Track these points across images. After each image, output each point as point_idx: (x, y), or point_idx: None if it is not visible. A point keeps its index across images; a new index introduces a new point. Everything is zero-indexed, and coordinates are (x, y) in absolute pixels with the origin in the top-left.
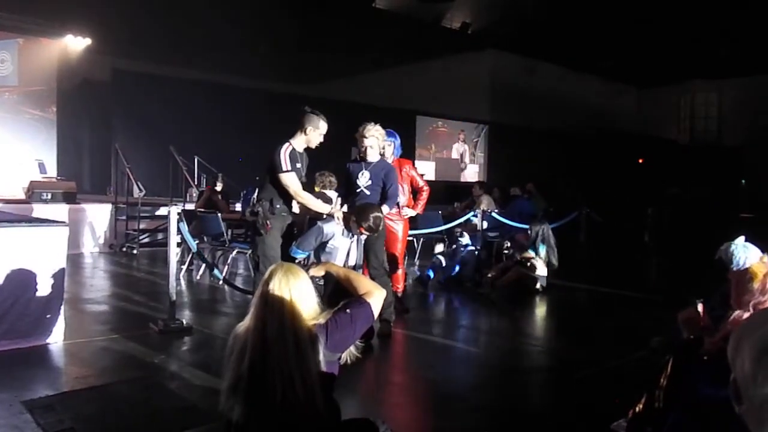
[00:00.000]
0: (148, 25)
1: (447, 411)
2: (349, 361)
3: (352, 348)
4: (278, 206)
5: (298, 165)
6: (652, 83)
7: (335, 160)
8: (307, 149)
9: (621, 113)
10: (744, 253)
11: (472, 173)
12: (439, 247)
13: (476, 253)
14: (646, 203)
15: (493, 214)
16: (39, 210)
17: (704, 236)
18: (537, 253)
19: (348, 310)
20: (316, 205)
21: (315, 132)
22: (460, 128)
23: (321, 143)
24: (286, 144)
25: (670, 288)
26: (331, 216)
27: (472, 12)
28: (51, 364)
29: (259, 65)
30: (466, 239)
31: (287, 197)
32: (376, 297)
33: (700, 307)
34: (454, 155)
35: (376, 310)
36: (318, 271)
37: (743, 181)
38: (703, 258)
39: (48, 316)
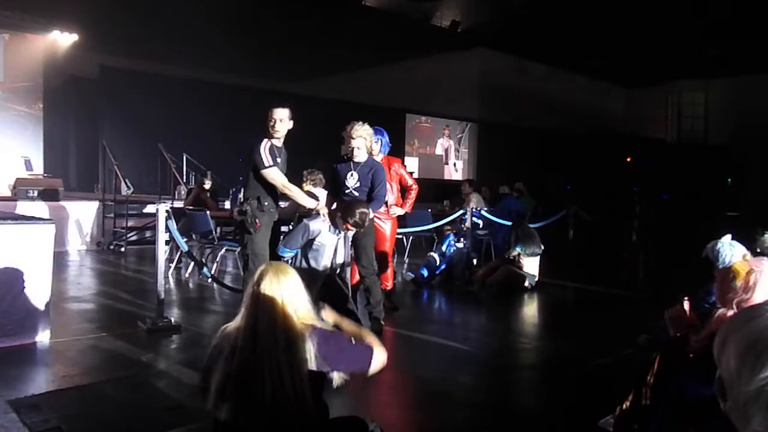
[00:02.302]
0: (136, 22)
1: (436, 409)
2: (338, 383)
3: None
4: (266, 203)
5: (279, 159)
6: (641, 82)
7: (324, 158)
8: (298, 146)
9: (610, 112)
10: (730, 251)
11: (456, 169)
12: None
13: (466, 251)
14: (633, 202)
15: (483, 212)
16: (25, 207)
17: (691, 235)
18: (523, 250)
19: (352, 339)
20: (304, 198)
21: (280, 123)
22: (445, 123)
23: (301, 138)
24: (264, 140)
25: (657, 286)
26: (317, 212)
27: (462, 10)
28: (37, 362)
29: (247, 63)
30: (461, 244)
31: (273, 193)
32: (378, 354)
33: (686, 305)
34: (438, 151)
35: (374, 364)
36: (329, 317)
37: (729, 180)
38: (690, 256)
39: (34, 314)
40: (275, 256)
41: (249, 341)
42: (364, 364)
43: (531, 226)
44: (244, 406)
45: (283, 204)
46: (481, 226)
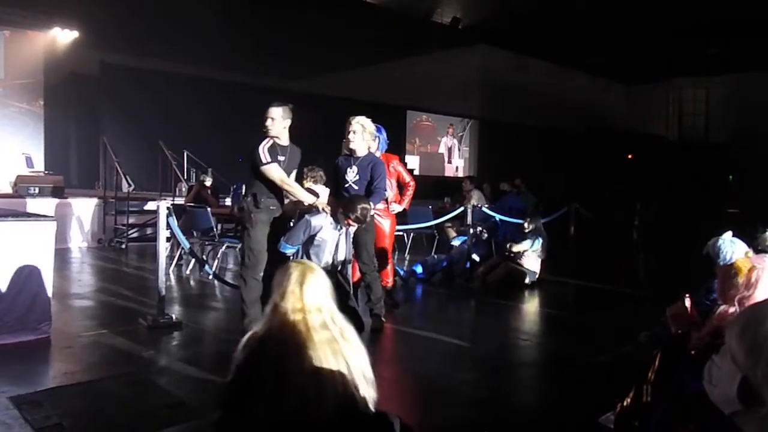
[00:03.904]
0: (137, 19)
1: (437, 405)
2: None
3: None
4: (263, 200)
5: (280, 158)
6: (642, 80)
7: (324, 156)
8: (298, 143)
9: (611, 109)
10: (731, 248)
11: (458, 167)
12: (456, 241)
13: (466, 248)
14: (634, 199)
15: (484, 209)
16: (26, 204)
17: (692, 232)
18: (532, 246)
19: None
20: (303, 194)
21: (271, 122)
22: (449, 122)
23: (302, 135)
24: (266, 139)
25: (658, 283)
26: (318, 208)
27: (463, 7)
28: (38, 359)
29: (248, 60)
30: (462, 243)
31: (275, 190)
32: None
33: (687, 302)
34: (441, 149)
35: None
36: None
37: (730, 177)
38: (690, 253)
39: (35, 311)
40: (276, 254)
41: (311, 346)
42: None
43: None
44: (317, 411)
45: (286, 201)
46: (499, 226)
